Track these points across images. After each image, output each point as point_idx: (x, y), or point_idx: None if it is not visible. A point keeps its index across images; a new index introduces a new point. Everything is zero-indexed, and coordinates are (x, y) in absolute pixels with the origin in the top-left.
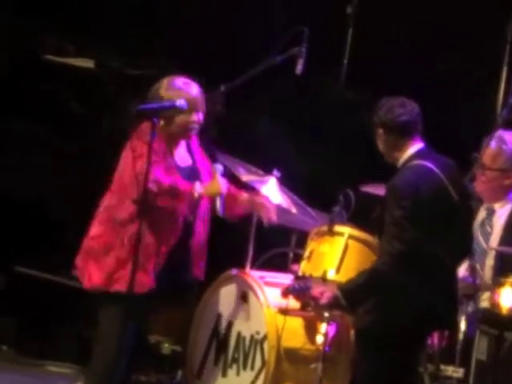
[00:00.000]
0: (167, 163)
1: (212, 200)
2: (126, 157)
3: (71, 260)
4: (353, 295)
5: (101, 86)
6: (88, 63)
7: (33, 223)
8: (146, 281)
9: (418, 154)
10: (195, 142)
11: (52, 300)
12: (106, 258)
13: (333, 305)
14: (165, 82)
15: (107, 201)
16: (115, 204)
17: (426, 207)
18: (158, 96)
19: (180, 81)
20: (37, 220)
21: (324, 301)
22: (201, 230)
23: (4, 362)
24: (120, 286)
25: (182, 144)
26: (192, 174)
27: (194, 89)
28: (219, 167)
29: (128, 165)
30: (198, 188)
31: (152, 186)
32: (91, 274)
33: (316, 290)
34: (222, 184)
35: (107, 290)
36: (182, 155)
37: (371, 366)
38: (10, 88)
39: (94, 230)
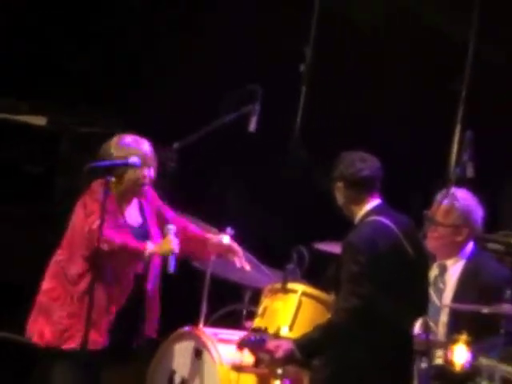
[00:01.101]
0: (117, 222)
1: (164, 258)
2: (77, 214)
3: (20, 316)
4: (308, 349)
5: (54, 144)
6: (40, 120)
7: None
8: (98, 339)
9: (375, 210)
10: (148, 199)
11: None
12: (56, 312)
13: (288, 359)
14: (114, 139)
15: (58, 256)
16: (65, 259)
17: (382, 263)
18: (108, 154)
19: (129, 138)
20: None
21: (279, 354)
22: (152, 288)
23: None
24: (73, 343)
25: (134, 203)
26: (142, 234)
27: (145, 145)
28: (171, 227)
29: (79, 222)
30: (150, 247)
31: (103, 245)
32: (43, 330)
33: (271, 344)
34: (174, 242)
35: (59, 347)
36: (132, 214)
37: None
38: None
39: (45, 284)
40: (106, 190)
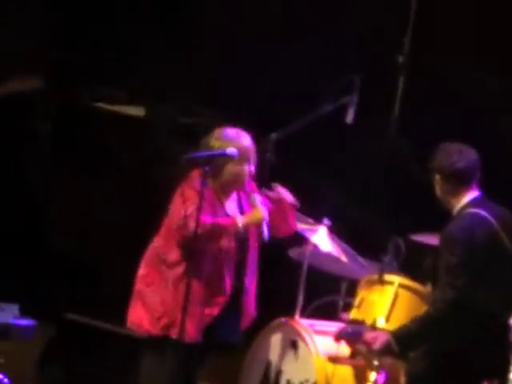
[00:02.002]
0: (216, 212)
1: (258, 230)
2: (175, 202)
3: (122, 307)
4: (405, 341)
5: (151, 135)
6: (138, 111)
7: (82, 271)
8: (193, 333)
9: (473, 203)
10: (247, 193)
11: (102, 347)
12: (149, 297)
13: (385, 350)
14: (216, 132)
15: (155, 243)
16: (162, 245)
17: (479, 255)
18: (208, 145)
19: (232, 131)
20: (86, 268)
21: (377, 346)
22: (250, 282)
23: None
24: (171, 333)
25: (233, 197)
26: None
27: (246, 139)
28: (257, 196)
29: (177, 209)
30: (240, 219)
31: (197, 230)
32: (141, 318)
33: (368, 335)
34: (262, 210)
35: (158, 335)
36: (231, 207)
37: None
38: (60, 139)
39: (141, 271)
40: (204, 181)
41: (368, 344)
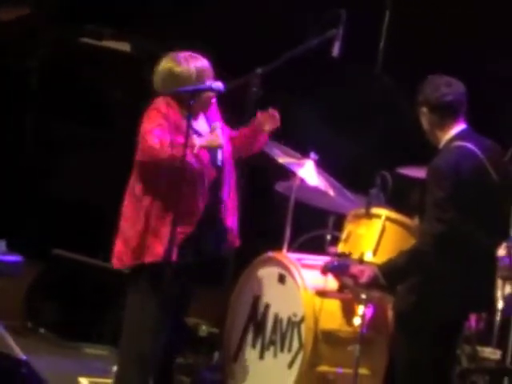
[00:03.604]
0: (178, 129)
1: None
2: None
3: (109, 243)
4: (392, 275)
5: (138, 71)
6: (124, 46)
7: (71, 208)
8: (159, 250)
9: (460, 135)
10: (213, 112)
11: (90, 283)
12: (128, 232)
13: (372, 284)
14: (171, 57)
15: (130, 179)
16: (132, 179)
17: (466, 188)
18: (170, 72)
19: (186, 54)
20: (75, 205)
21: (363, 279)
22: (227, 197)
23: (41, 344)
24: (150, 258)
25: (202, 116)
26: None
27: (202, 61)
28: (217, 124)
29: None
30: (198, 141)
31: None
32: (122, 254)
33: (355, 269)
34: (220, 137)
35: (138, 263)
36: (201, 125)
37: (410, 347)
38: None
39: (123, 208)
40: (190, 115)
41: (355, 277)
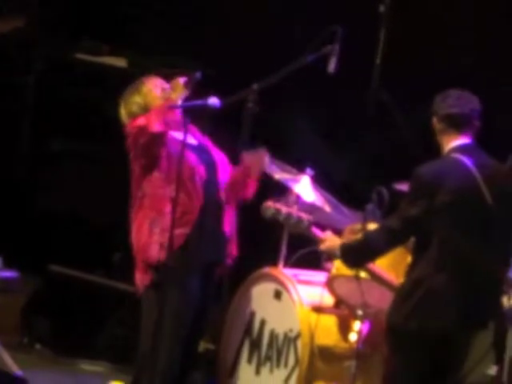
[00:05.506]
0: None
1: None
2: None
3: (105, 258)
4: (346, 252)
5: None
6: (121, 62)
7: (67, 224)
8: (155, 253)
9: (460, 148)
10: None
11: (86, 298)
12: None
13: (329, 253)
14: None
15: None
16: (133, 189)
17: (449, 196)
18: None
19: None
20: (72, 221)
21: (322, 247)
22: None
23: (38, 360)
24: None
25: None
26: (201, 149)
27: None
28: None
29: None
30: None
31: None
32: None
33: (324, 234)
34: None
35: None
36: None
37: (398, 358)
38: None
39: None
40: (186, 131)
41: (318, 241)
